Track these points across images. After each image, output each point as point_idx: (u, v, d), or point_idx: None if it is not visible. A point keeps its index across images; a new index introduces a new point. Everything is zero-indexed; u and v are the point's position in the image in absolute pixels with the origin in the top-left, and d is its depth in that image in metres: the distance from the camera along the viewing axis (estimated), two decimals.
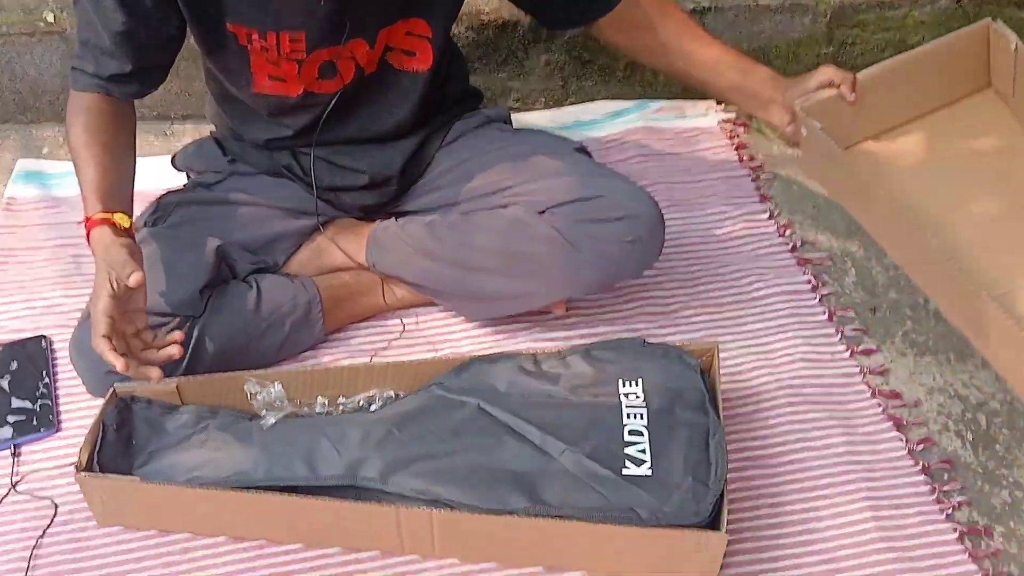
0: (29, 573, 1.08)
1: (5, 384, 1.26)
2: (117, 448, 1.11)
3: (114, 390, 1.14)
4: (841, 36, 1.74)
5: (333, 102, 1.23)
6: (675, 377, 1.14)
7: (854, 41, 1.75)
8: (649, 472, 1.04)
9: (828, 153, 1.47)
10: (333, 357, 1.31)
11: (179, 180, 1.41)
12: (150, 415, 1.15)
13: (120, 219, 1.11)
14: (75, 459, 1.11)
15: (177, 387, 1.16)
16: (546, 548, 1.06)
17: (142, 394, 1.15)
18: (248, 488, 1.06)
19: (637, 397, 1.12)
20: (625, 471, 1.04)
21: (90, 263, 1.40)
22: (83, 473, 1.06)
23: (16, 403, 1.24)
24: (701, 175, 1.61)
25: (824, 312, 1.38)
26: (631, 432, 1.08)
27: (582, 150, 1.32)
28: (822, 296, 1.41)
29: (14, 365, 1.29)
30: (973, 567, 1.09)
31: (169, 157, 1.41)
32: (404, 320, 1.35)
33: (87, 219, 1.11)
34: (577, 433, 1.08)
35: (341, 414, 1.17)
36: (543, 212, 1.22)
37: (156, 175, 1.45)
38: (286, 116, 1.26)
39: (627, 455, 1.06)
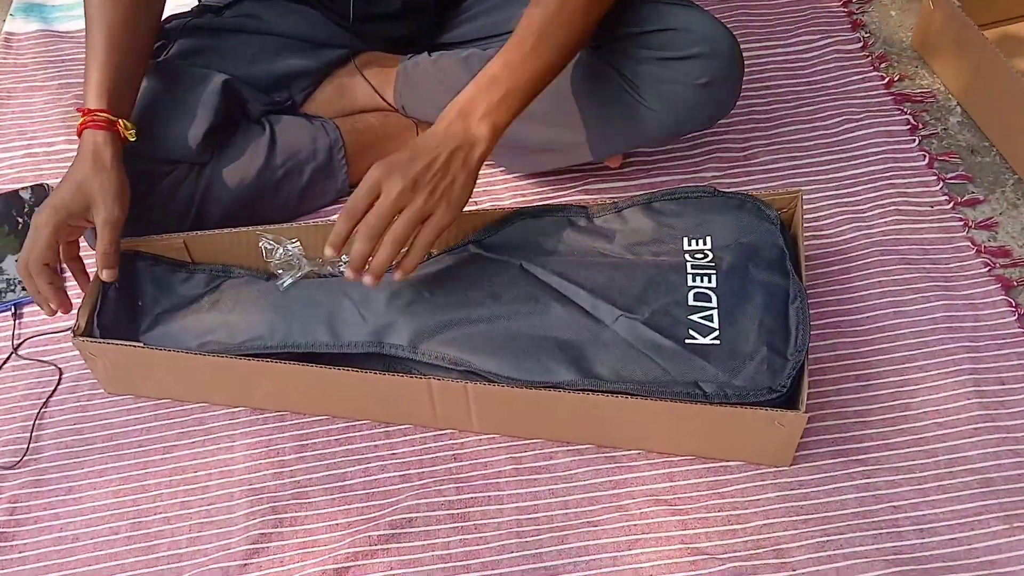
0: (33, 441, 0.99)
1: (22, 213, 1.18)
2: (119, 309, 0.99)
3: (124, 252, 1.00)
4: None
5: None
6: (750, 232, 0.99)
7: None
8: (717, 341, 0.90)
9: (958, 30, 1.23)
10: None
11: (185, 2, 1.23)
12: (157, 274, 1.04)
13: (126, 128, 0.96)
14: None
15: (184, 243, 1.04)
16: (596, 424, 0.94)
17: (148, 250, 1.03)
18: (264, 356, 0.95)
19: (705, 256, 0.97)
20: (689, 340, 0.91)
21: None
22: (81, 338, 0.95)
23: None
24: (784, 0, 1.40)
25: (924, 157, 1.20)
26: (697, 296, 0.94)
27: None
28: (921, 138, 1.22)
29: (30, 194, 1.19)
30: None
31: None
32: None
33: (85, 110, 0.95)
34: (634, 297, 0.94)
35: None
36: (599, 47, 1.03)
37: None
38: None
39: (692, 322, 0.92)
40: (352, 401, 0.98)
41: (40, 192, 1.20)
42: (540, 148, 1.12)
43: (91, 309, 0.97)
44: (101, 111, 0.94)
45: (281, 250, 1.02)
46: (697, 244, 0.99)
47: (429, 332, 0.95)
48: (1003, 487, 0.92)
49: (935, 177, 1.18)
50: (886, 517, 0.90)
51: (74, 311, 0.97)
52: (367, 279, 0.88)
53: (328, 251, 0.87)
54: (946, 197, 1.16)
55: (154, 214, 1.05)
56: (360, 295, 0.99)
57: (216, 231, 1.04)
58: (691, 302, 0.93)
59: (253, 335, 0.98)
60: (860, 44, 1.34)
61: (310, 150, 1.13)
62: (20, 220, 1.18)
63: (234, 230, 1.04)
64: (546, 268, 0.98)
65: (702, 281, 0.95)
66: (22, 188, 1.21)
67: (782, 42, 1.34)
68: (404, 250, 0.89)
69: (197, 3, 1.20)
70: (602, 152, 1.13)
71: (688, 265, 0.97)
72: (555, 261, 0.99)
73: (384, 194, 0.86)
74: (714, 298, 0.94)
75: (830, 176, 1.19)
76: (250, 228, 1.04)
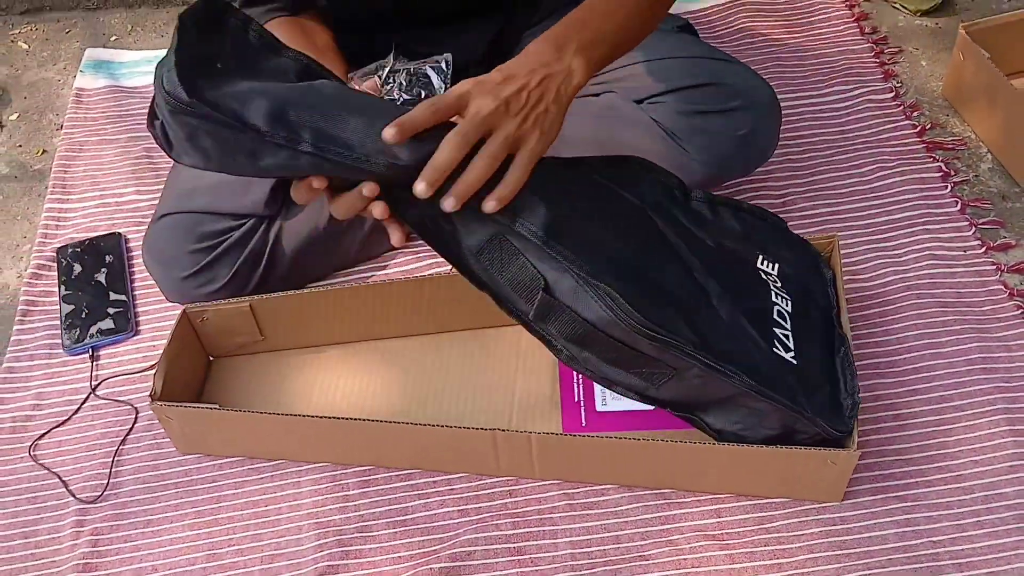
0: (112, 477, 1.05)
1: (102, 278, 1.23)
2: (198, 57, 0.78)
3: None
4: None
5: None
6: (810, 276, 1.01)
7: None
8: (794, 361, 0.91)
9: (988, 81, 1.27)
10: (416, 256, 1.22)
11: None
12: (243, 43, 0.83)
13: None
14: (152, 362, 1.08)
15: (251, 307, 1.08)
16: (654, 467, 0.98)
17: (215, 316, 1.07)
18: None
19: (776, 281, 0.97)
20: (775, 349, 0.91)
21: (162, 158, 1.36)
22: (158, 403, 1.00)
23: (113, 296, 1.21)
24: (817, 51, 1.45)
25: (956, 203, 1.24)
26: (779, 314, 0.94)
27: (687, 28, 1.18)
28: (954, 185, 1.26)
29: (109, 258, 1.25)
30: None
31: None
32: None
33: None
34: (733, 288, 0.91)
35: None
36: (641, 101, 1.09)
37: None
38: None
39: (775, 334, 0.92)
40: (419, 453, 1.01)
41: (113, 240, 1.27)
42: None
43: (165, 373, 1.00)
44: None
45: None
46: (766, 266, 0.98)
47: (566, 232, 0.83)
48: None
49: (968, 223, 1.22)
50: (926, 552, 0.94)
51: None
52: (449, 202, 0.78)
53: (390, 134, 0.76)
54: (979, 242, 1.20)
55: (223, 268, 1.11)
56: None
57: (283, 294, 1.08)
58: (774, 315, 0.94)
59: (349, 140, 0.79)
60: (892, 93, 1.38)
61: None
62: (101, 268, 1.24)
63: (299, 292, 1.08)
64: (666, 223, 0.93)
65: (781, 302, 0.96)
66: (97, 237, 1.28)
67: (816, 92, 1.39)
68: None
69: None
70: None
71: (769, 282, 0.97)
72: (669, 219, 0.94)
73: (473, 111, 0.78)
74: (789, 322, 0.94)
75: (866, 222, 1.23)
76: (312, 289, 1.10)
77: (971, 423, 1.03)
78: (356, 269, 1.22)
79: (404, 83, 0.96)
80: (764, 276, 0.96)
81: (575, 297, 0.83)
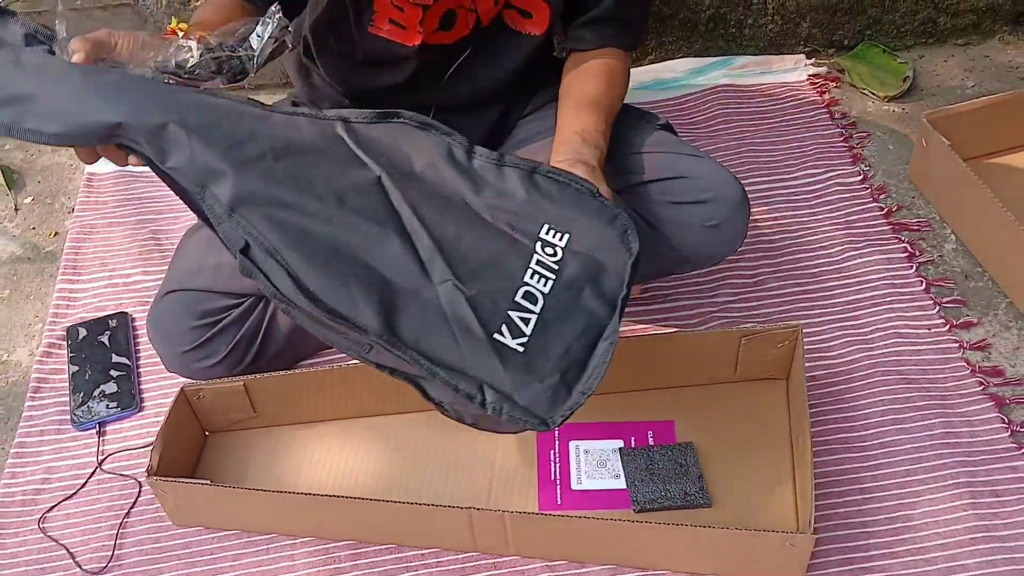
0: (116, 549, 1.10)
1: (109, 356, 1.29)
2: None
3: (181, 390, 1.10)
4: None
5: (462, 55, 1.16)
6: (605, 251, 0.94)
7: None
8: (521, 348, 0.88)
9: (949, 167, 1.35)
10: None
11: None
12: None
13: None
14: (155, 437, 1.14)
15: (244, 385, 1.14)
16: (627, 547, 1.03)
17: (210, 394, 1.14)
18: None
19: (554, 255, 0.92)
20: (497, 336, 0.88)
21: (168, 240, 1.43)
22: (155, 477, 1.05)
23: (119, 373, 1.27)
24: (788, 135, 1.53)
25: (921, 282, 1.31)
26: (525, 295, 0.90)
27: (667, 127, 1.26)
28: (919, 264, 1.33)
29: (116, 336, 1.31)
30: None
31: None
32: None
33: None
34: (470, 267, 0.90)
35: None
36: (620, 191, 1.16)
37: None
38: (387, 70, 1.19)
39: (508, 317, 0.89)
40: (400, 529, 1.06)
41: (120, 319, 1.33)
42: None
43: (162, 450, 1.06)
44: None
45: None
46: (553, 237, 0.93)
47: (258, 200, 0.89)
48: None
49: (932, 301, 1.28)
50: None
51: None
52: None
53: None
54: (942, 320, 1.26)
55: (222, 343, 1.17)
56: (201, 123, 0.90)
57: (275, 374, 1.14)
58: (517, 298, 0.90)
59: (75, 116, 0.86)
60: (860, 176, 1.45)
61: None
62: (108, 346, 1.30)
63: (290, 372, 1.15)
64: (403, 193, 0.93)
65: (538, 282, 0.91)
66: (105, 316, 1.34)
67: (788, 176, 1.46)
68: None
69: None
70: None
71: (534, 258, 0.92)
72: (415, 188, 0.93)
73: None
74: (540, 304, 0.90)
75: (834, 301, 1.29)
76: (303, 370, 1.17)
77: (934, 496, 1.08)
78: None
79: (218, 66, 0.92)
80: (536, 250, 0.92)
81: (267, 265, 0.88)
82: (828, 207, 1.42)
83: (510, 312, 0.89)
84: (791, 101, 1.58)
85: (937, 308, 1.28)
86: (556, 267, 0.92)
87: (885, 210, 1.41)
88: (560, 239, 0.93)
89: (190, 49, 0.90)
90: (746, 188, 1.14)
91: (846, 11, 1.64)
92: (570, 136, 1.08)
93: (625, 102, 1.19)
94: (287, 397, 1.16)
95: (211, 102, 0.91)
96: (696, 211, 1.13)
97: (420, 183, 0.94)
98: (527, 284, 0.91)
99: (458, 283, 0.89)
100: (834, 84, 1.61)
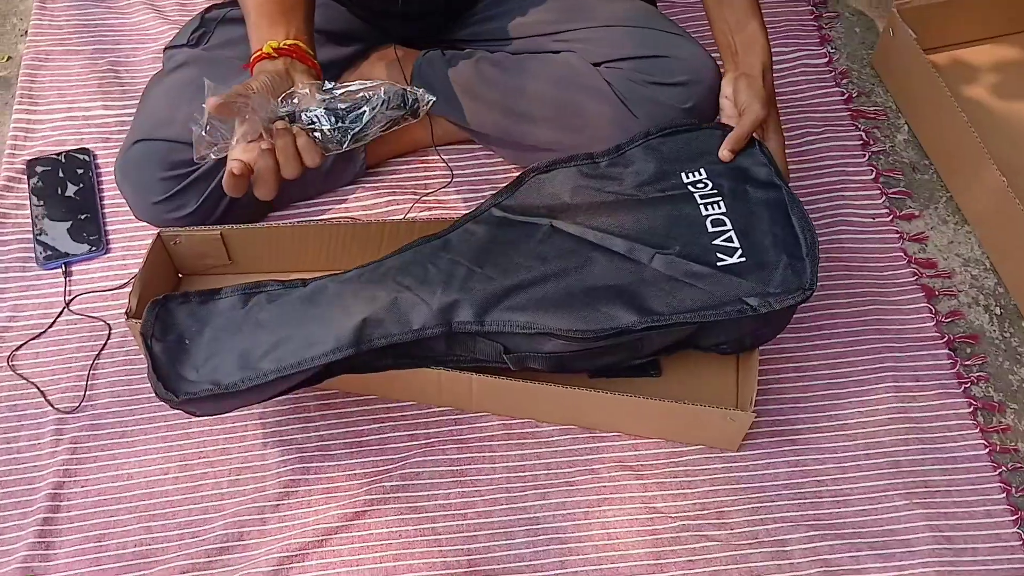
0: (89, 390, 1.14)
1: (73, 194, 1.28)
2: (170, 358, 1.01)
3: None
4: None
5: None
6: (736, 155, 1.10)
7: None
8: (744, 259, 1.01)
9: (911, 59, 1.38)
10: (375, 191, 1.31)
11: None
12: (192, 308, 1.06)
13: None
14: (123, 280, 1.17)
15: (221, 235, 1.16)
16: (578, 411, 1.11)
17: (188, 241, 1.15)
18: (344, 358, 1.00)
19: (705, 185, 1.07)
20: (720, 263, 1.01)
21: (128, 73, 1.40)
22: (133, 320, 1.06)
23: (84, 213, 1.26)
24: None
25: (871, 172, 1.36)
26: (713, 223, 1.04)
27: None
28: (871, 154, 1.38)
29: (80, 173, 1.29)
30: (981, 441, 1.14)
31: None
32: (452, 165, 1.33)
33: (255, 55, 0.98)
34: (660, 234, 1.04)
35: None
36: (598, 64, 1.17)
37: None
38: None
39: (717, 246, 1.03)
40: (371, 380, 1.09)
41: (83, 156, 1.31)
42: (545, 148, 1.24)
43: (141, 289, 1.08)
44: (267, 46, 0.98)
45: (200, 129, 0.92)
46: (694, 176, 1.08)
47: (492, 303, 1.02)
48: (907, 469, 1.11)
49: (879, 191, 1.35)
50: (810, 489, 1.09)
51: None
52: (725, 154, 1.08)
53: (725, 155, 1.08)
54: (887, 210, 1.33)
55: (193, 196, 1.18)
56: (413, 281, 1.04)
57: (251, 226, 1.17)
58: (710, 228, 1.04)
59: (323, 346, 1.00)
60: (826, 59, 1.48)
61: None
62: (72, 184, 1.29)
63: (268, 225, 1.18)
64: (576, 222, 1.06)
65: (713, 208, 1.05)
66: (65, 151, 1.32)
67: None
68: None
69: None
70: None
71: (696, 196, 1.06)
72: (579, 213, 1.07)
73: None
74: (728, 221, 1.04)
75: (790, 184, 1.34)
76: (282, 223, 1.18)
77: (861, 378, 1.18)
78: (317, 200, 1.30)
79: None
80: (691, 190, 1.07)
81: (530, 344, 1.01)
82: (793, 88, 1.44)
83: (714, 242, 1.03)
84: None
85: (884, 198, 1.34)
86: (716, 191, 1.06)
87: (846, 96, 1.44)
88: (699, 174, 1.08)
89: (312, 103, 0.96)
90: (716, 64, 1.16)
91: None
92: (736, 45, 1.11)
93: None
94: (263, 248, 1.19)
95: (407, 259, 1.07)
96: (674, 92, 1.15)
97: (578, 208, 1.07)
98: (708, 215, 1.04)
99: (662, 252, 1.02)
100: None
